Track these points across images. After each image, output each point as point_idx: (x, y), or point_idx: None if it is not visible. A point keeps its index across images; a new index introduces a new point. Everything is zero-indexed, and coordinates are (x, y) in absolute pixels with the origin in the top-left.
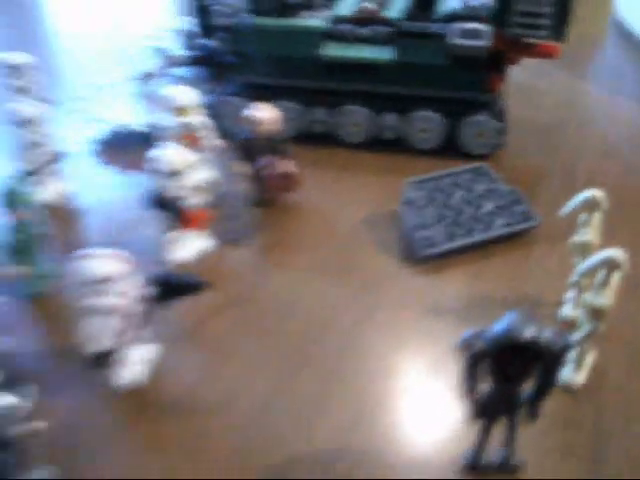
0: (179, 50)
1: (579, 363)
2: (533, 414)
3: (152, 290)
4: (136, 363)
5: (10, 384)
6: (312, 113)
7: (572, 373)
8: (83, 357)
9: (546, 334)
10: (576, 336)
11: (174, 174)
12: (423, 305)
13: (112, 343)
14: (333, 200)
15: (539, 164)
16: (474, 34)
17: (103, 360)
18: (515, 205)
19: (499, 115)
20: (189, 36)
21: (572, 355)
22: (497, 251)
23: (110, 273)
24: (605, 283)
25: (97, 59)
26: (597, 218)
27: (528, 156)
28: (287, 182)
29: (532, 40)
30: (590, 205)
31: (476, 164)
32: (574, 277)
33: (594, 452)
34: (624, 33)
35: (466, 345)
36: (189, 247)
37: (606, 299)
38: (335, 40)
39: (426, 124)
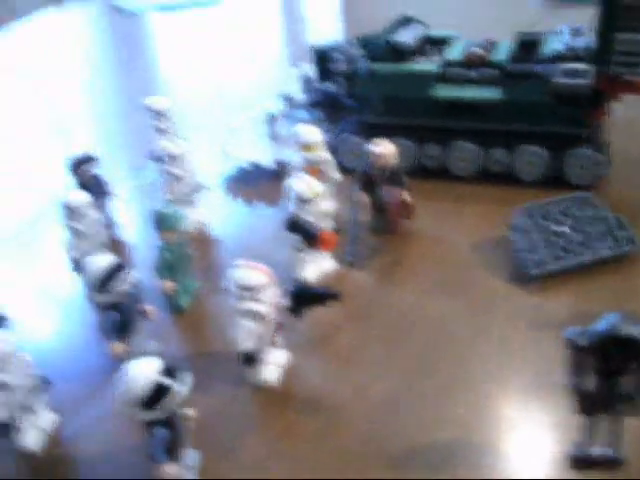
0: (301, 94)
1: None
2: (636, 409)
3: (288, 301)
4: (273, 364)
5: (170, 371)
6: (425, 149)
7: None
8: (232, 355)
9: None
10: None
11: (306, 201)
12: (533, 321)
13: (256, 345)
14: (446, 228)
15: None
16: (576, 73)
17: (250, 359)
18: (620, 230)
19: (600, 148)
20: (310, 81)
21: None
22: (603, 273)
23: (259, 282)
24: None
25: (224, 103)
26: None
27: (632, 187)
28: (405, 210)
29: (632, 78)
30: None
31: (581, 193)
32: None
33: None
34: None
35: (571, 341)
36: (317, 267)
37: None
38: (446, 82)
39: (532, 158)
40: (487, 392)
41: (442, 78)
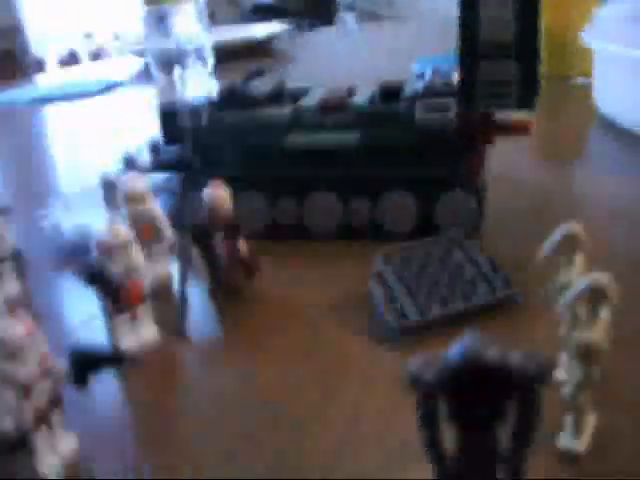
0: (144, 157)
1: (578, 425)
2: (516, 476)
3: (66, 365)
4: (52, 453)
5: None
6: (280, 203)
7: (571, 438)
8: None
9: (515, 356)
10: (567, 389)
11: (111, 248)
12: (394, 380)
13: (19, 424)
14: (300, 290)
15: (520, 248)
16: (439, 107)
17: (13, 445)
18: (494, 273)
19: (476, 195)
20: (155, 144)
21: (569, 418)
22: (478, 322)
23: (15, 335)
24: (593, 316)
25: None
26: (579, 258)
27: (508, 240)
28: (245, 267)
29: (503, 116)
30: (569, 242)
31: (450, 233)
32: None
33: None
34: (606, 125)
35: (414, 376)
36: (135, 335)
37: (596, 334)
38: (300, 129)
39: (399, 207)
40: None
41: (296, 125)
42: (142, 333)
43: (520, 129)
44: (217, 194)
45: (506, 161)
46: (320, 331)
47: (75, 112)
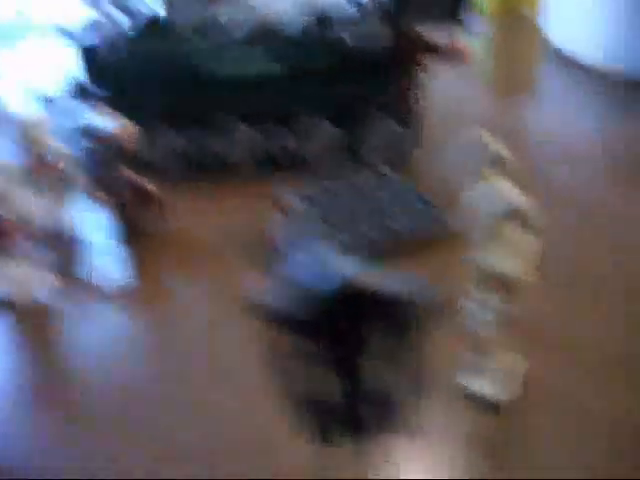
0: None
1: (499, 373)
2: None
3: None
4: None
5: None
6: (200, 139)
7: (493, 386)
8: None
9: (395, 285)
10: (485, 325)
11: None
12: None
13: None
14: (219, 227)
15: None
16: (368, 32)
17: None
18: (420, 207)
19: (406, 123)
20: (74, 78)
21: (491, 363)
22: (399, 258)
23: None
24: (511, 245)
25: None
26: (504, 183)
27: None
28: (153, 203)
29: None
30: (496, 166)
31: (373, 166)
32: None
33: None
34: (558, 59)
35: (264, 308)
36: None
37: (513, 263)
38: (226, 60)
39: (325, 138)
40: None
41: (220, 57)
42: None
43: (455, 54)
44: (122, 126)
45: (455, 95)
46: (229, 276)
47: None
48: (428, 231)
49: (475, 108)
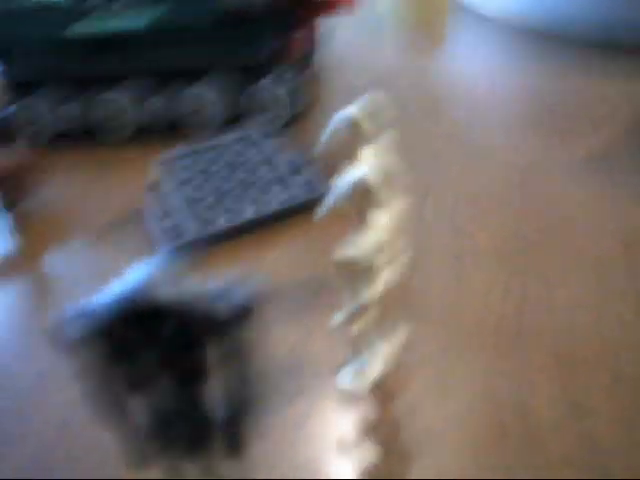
0: None
1: (364, 358)
2: (232, 443)
3: None
4: None
5: None
6: (64, 107)
7: (355, 374)
8: None
9: (203, 298)
10: (341, 316)
11: None
12: None
13: None
14: (85, 203)
15: (342, 144)
16: None
17: None
18: (296, 174)
19: (290, 83)
20: None
21: (365, 351)
22: (273, 233)
23: None
24: (360, 223)
25: None
26: (366, 150)
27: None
28: (15, 179)
29: None
30: (353, 130)
31: (248, 130)
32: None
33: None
34: (466, 12)
35: (59, 335)
36: None
37: (357, 247)
38: (87, 17)
39: (201, 100)
40: None
41: (80, 12)
42: None
43: (341, 3)
44: None
45: (357, 49)
46: (95, 255)
47: None
48: (300, 203)
49: (380, 62)
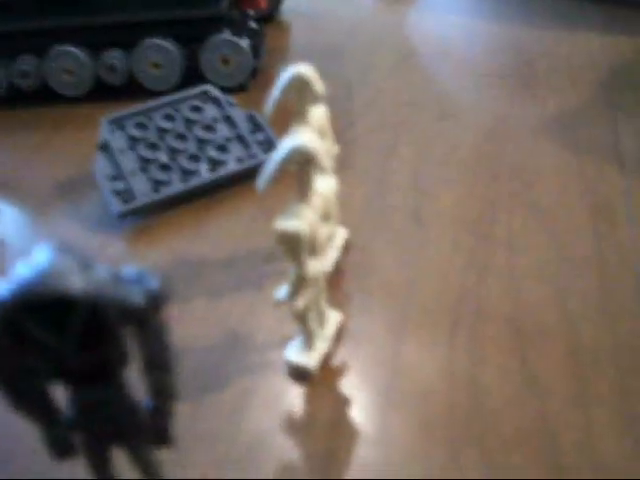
0: None
1: (309, 334)
2: (160, 435)
3: None
4: None
5: None
6: (17, 63)
7: (300, 351)
8: None
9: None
10: (284, 290)
11: None
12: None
13: None
14: (36, 165)
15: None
16: None
17: None
18: (256, 132)
19: (250, 35)
20: None
21: (308, 327)
22: (227, 197)
23: None
24: (302, 191)
25: None
26: (319, 112)
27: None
28: None
29: None
30: (299, 89)
31: (202, 87)
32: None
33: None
34: None
35: None
36: None
37: (296, 219)
38: None
39: (159, 56)
40: None
41: None
42: None
43: None
44: None
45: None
46: (42, 215)
47: None
48: (257, 157)
49: (350, 13)
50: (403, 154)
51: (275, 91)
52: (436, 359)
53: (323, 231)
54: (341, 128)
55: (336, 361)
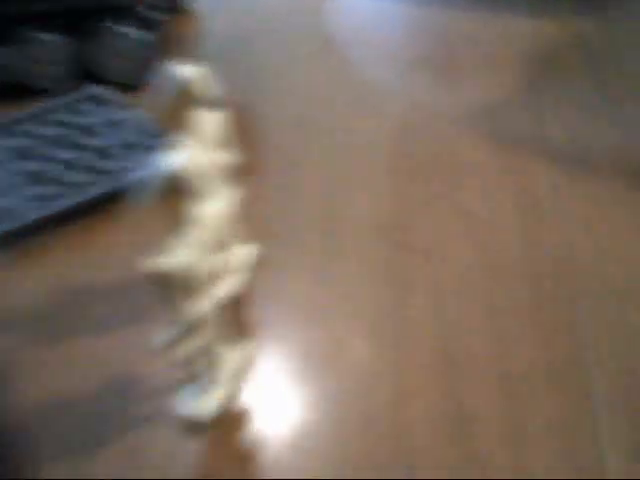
0: None
1: (200, 380)
2: None
3: None
4: None
5: None
6: None
7: (195, 400)
8: None
9: None
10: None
11: None
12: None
13: None
14: None
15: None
16: None
17: None
18: (145, 140)
19: (149, 27)
20: None
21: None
22: (123, 211)
23: None
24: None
25: None
26: (212, 118)
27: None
28: None
29: None
30: (185, 93)
31: (92, 89)
32: None
33: None
34: None
35: None
36: None
37: (187, 250)
38: None
39: (45, 51)
40: None
41: None
42: None
43: None
44: None
45: None
46: None
47: None
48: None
49: (261, 2)
50: (315, 155)
51: (159, 96)
52: (354, 383)
53: (216, 261)
54: (250, 127)
55: (240, 405)
